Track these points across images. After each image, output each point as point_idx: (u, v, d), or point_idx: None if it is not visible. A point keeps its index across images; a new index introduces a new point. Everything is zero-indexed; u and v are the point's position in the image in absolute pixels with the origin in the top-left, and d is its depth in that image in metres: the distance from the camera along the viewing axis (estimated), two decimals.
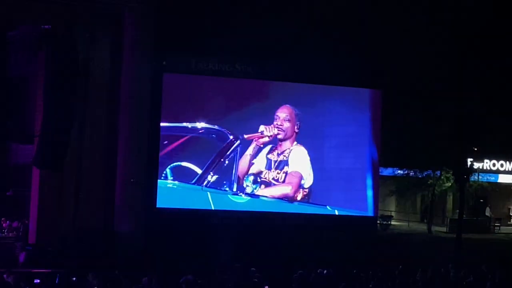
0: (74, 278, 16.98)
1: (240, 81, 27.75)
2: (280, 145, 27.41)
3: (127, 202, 25.53)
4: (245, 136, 26.87)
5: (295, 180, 27.47)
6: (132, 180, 25.59)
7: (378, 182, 29.24)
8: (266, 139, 27.15)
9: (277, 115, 27.49)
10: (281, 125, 27.35)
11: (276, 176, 27.17)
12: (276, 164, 27.25)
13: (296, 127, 27.53)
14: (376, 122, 28.85)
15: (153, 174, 26.36)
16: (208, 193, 26.61)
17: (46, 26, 24.67)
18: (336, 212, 27.79)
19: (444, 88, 33.41)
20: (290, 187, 27.42)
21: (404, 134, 33.66)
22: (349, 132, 28.59)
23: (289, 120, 27.47)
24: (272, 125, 27.16)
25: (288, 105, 27.55)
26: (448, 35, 32.03)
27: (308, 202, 27.59)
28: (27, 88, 26.99)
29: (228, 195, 26.95)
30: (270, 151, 27.12)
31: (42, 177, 25.12)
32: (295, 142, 27.55)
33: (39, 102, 25.46)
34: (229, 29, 27.27)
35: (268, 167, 27.08)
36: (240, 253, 25.26)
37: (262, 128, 27.10)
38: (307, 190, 27.66)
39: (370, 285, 14.27)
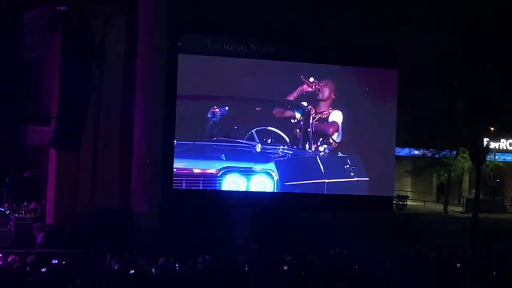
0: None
1: (256, 61, 27.75)
2: (319, 105, 28.39)
3: (144, 183, 25.66)
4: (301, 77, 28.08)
5: (335, 126, 28.58)
6: (148, 161, 25.68)
7: (394, 161, 29.27)
8: (309, 89, 28.24)
9: (319, 82, 28.37)
10: (320, 87, 28.33)
11: (317, 128, 28.39)
12: (315, 120, 28.36)
13: (332, 94, 28.51)
14: (392, 102, 28.76)
15: (170, 155, 26.36)
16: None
17: (62, 7, 24.66)
18: (352, 175, 28.12)
19: (461, 67, 33.18)
20: (331, 129, 28.56)
21: (420, 114, 33.50)
22: (365, 111, 28.54)
23: (327, 86, 28.40)
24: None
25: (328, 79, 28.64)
26: (465, 14, 31.77)
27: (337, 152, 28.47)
28: (43, 69, 27.06)
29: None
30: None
31: (59, 158, 25.25)
32: (331, 108, 28.48)
33: (55, 84, 25.53)
34: (244, 10, 27.18)
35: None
36: (256, 233, 25.38)
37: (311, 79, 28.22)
38: (337, 144, 28.62)
39: (387, 265, 14.26)
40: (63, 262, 17.03)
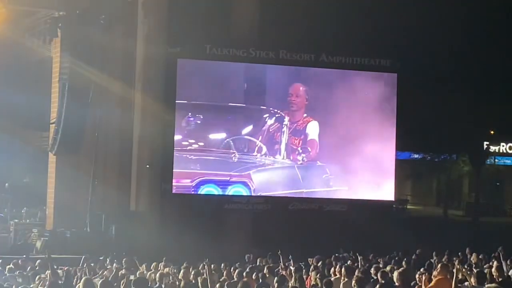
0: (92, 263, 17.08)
1: (255, 66, 27.67)
2: (293, 115, 27.61)
3: (143, 186, 25.66)
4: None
5: (314, 146, 27.74)
6: (147, 166, 25.69)
7: (394, 165, 29.12)
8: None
9: (289, 93, 27.63)
10: (294, 100, 27.61)
11: (293, 142, 27.54)
12: (291, 130, 27.49)
13: (305, 100, 27.78)
14: (392, 106, 28.67)
15: (169, 159, 26.28)
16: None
17: (61, 13, 24.69)
18: (331, 185, 27.78)
19: (461, 71, 33.22)
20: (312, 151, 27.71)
21: (420, 118, 33.48)
22: (364, 115, 28.39)
23: (299, 96, 27.65)
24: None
25: (297, 83, 27.83)
26: (464, 17, 31.81)
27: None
28: (43, 74, 27.06)
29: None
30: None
31: (58, 163, 25.25)
32: (305, 114, 27.72)
33: (54, 89, 25.56)
34: (242, 14, 27.20)
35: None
36: (256, 238, 25.34)
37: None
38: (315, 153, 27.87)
39: (387, 269, 14.22)
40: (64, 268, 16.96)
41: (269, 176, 27.41)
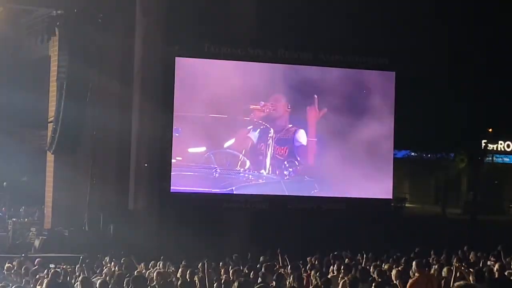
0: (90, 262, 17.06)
1: (253, 64, 27.61)
2: (277, 124, 26.89)
3: (141, 185, 25.64)
4: (251, 107, 26.38)
5: (306, 153, 27.26)
6: (145, 165, 25.67)
7: (392, 163, 29.11)
8: (262, 113, 26.55)
9: (269, 99, 27.01)
10: (273, 105, 26.84)
11: (280, 152, 26.75)
12: (275, 139, 26.64)
13: (287, 107, 26.89)
14: (390, 104, 28.65)
15: (167, 158, 26.24)
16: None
17: (59, 11, 24.67)
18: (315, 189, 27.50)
19: (459, 69, 33.20)
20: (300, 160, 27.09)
21: (418, 116, 33.47)
22: (362, 114, 28.35)
23: (278, 101, 26.94)
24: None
25: (278, 94, 27.18)
26: (462, 15, 31.81)
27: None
28: (41, 73, 27.05)
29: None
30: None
31: (56, 162, 25.24)
32: (290, 125, 27.04)
33: (52, 88, 25.55)
34: (241, 12, 27.18)
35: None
36: (255, 236, 25.32)
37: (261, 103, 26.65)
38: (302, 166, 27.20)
39: (384, 268, 14.23)
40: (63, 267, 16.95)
41: (253, 192, 26.47)
